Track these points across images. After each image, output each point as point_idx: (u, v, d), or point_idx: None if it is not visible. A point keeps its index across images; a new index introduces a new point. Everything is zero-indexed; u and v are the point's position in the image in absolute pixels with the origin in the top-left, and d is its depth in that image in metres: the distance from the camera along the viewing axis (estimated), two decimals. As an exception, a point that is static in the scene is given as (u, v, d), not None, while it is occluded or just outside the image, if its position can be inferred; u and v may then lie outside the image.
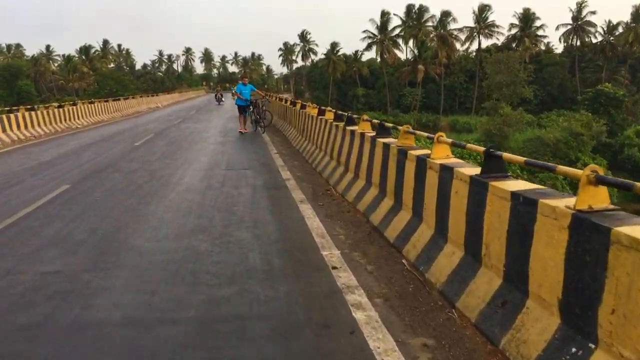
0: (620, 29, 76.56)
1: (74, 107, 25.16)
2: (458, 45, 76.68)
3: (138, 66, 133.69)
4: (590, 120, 57.42)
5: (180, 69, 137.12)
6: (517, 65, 63.62)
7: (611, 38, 76.46)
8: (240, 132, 18.63)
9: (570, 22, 77.70)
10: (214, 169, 11.30)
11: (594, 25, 76.26)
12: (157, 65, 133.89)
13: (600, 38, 77.69)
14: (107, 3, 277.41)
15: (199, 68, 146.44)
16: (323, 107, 14.19)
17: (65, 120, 23.49)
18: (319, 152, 12.22)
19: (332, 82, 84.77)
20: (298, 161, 12.54)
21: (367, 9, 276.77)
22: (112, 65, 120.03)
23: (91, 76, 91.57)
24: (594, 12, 76.60)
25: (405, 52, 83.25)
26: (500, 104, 63.88)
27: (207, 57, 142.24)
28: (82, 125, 24.63)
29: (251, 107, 18.76)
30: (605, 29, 76.92)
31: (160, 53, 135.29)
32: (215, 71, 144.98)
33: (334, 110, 12.29)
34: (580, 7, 76.23)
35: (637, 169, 55.24)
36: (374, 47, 79.39)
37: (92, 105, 28.05)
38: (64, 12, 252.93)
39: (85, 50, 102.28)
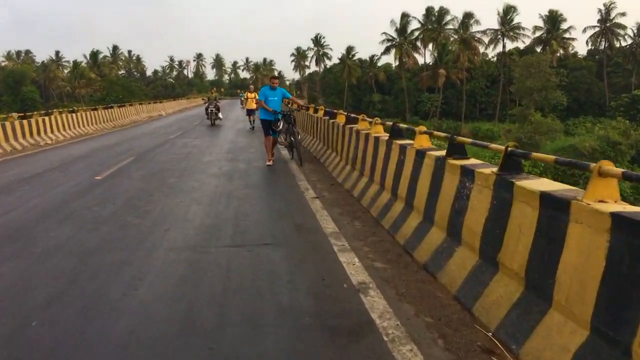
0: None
1: (47, 119, 19.61)
2: (481, 49, 70.89)
3: (149, 72, 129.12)
4: (628, 127, 51.72)
5: (191, 75, 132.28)
6: (549, 69, 57.72)
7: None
8: (268, 164, 11.64)
9: (598, 24, 71.70)
10: (206, 248, 5.68)
11: (624, 27, 70.23)
12: (167, 71, 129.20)
13: (629, 41, 71.60)
14: (120, 10, 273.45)
15: (210, 74, 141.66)
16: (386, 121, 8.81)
17: (32, 134, 18.00)
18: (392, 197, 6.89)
19: (347, 87, 79.26)
20: (360, 220, 6.93)
21: (382, 15, 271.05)
22: (122, 71, 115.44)
23: (98, 82, 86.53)
24: (623, 14, 70.56)
25: (424, 56, 77.65)
26: (530, 111, 58.17)
27: (218, 62, 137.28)
28: (54, 140, 19.07)
29: (281, 122, 11.63)
30: (635, 31, 70.88)
31: (171, 59, 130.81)
32: (226, 77, 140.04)
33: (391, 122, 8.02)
34: (608, 9, 70.25)
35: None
36: (393, 51, 73.69)
37: (74, 115, 22.50)
38: (75, 18, 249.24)
39: (93, 55, 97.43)
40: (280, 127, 11.71)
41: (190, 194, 8.64)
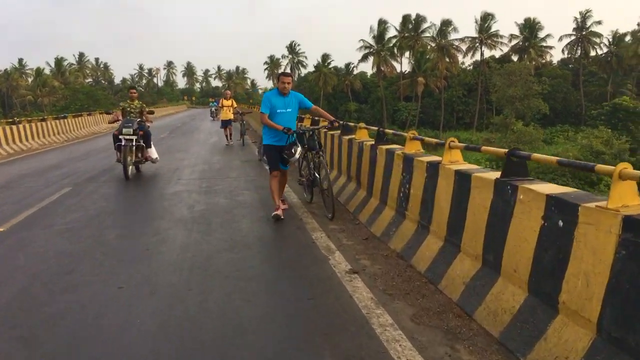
0: (627, 40, 69.37)
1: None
2: (460, 57, 68.53)
3: (117, 80, 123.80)
4: (610, 137, 49.88)
5: (161, 84, 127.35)
6: (531, 77, 55.51)
7: (616, 49, 69.04)
8: (276, 214, 6.84)
9: (574, 32, 70.17)
10: None
11: (599, 35, 68.83)
12: (137, 79, 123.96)
13: (605, 49, 70.27)
14: (88, 17, 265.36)
15: (181, 82, 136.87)
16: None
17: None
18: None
19: (323, 96, 76.00)
20: (463, 337, 3.50)
21: (358, 23, 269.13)
22: (89, 79, 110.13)
23: (62, 90, 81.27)
24: (599, 22, 69.20)
25: (401, 64, 74.99)
26: (512, 119, 55.91)
27: (189, 71, 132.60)
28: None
29: (297, 147, 6.86)
30: (610, 39, 69.57)
31: (141, 67, 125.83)
32: (197, 85, 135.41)
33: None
34: (584, 17, 68.83)
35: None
36: (370, 59, 70.70)
37: (15, 127, 18.50)
38: (41, 26, 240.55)
39: (57, 63, 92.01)
40: (296, 154, 6.78)
41: (141, 265, 5.08)
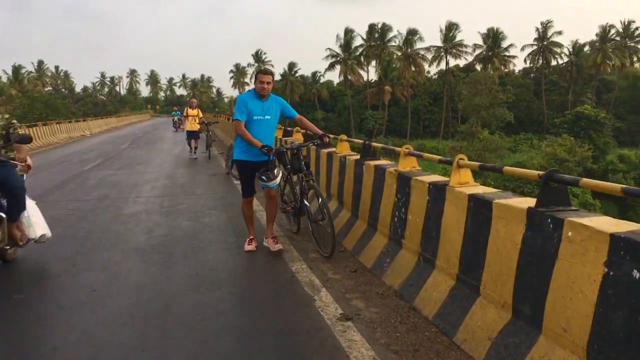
0: (586, 49, 70.84)
1: None
2: (426, 66, 68.71)
3: (78, 89, 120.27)
4: (573, 145, 50.64)
5: (123, 92, 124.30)
6: (496, 86, 55.92)
7: (576, 59, 70.40)
8: (249, 249, 5.78)
9: (535, 42, 71.26)
10: None
11: (560, 45, 70.08)
12: (98, 88, 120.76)
13: (566, 59, 71.61)
14: (47, 25, 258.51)
15: (144, 91, 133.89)
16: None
17: None
18: None
19: (290, 104, 75.05)
20: None
21: (324, 32, 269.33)
22: (49, 88, 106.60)
23: (19, 99, 78.07)
24: (560, 32, 70.50)
25: (368, 73, 74.80)
26: (478, 128, 56.17)
27: (153, 79, 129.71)
28: None
29: (277, 168, 5.63)
30: (570, 49, 70.94)
31: (103, 75, 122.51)
32: (162, 94, 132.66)
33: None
34: (545, 27, 70.01)
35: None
36: (338, 67, 70.19)
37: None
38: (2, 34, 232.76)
39: (15, 70, 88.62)
40: (277, 179, 5.59)
41: (83, 314, 4.08)
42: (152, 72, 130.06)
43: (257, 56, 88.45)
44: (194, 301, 4.35)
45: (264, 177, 5.51)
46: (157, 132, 35.00)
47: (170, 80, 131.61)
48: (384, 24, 69.09)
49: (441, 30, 66.85)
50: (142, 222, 7.38)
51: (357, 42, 70.58)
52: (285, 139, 9.63)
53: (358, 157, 6.31)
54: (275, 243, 5.74)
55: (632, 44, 67.37)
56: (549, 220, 2.93)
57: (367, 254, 5.35)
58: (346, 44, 69.40)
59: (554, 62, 71.99)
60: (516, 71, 77.10)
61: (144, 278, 4.96)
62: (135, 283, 4.82)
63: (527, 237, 3.11)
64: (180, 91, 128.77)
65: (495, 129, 56.87)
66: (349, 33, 69.38)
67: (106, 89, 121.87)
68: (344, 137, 7.20)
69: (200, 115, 16.79)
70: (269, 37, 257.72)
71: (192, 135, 16.44)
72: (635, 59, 69.38)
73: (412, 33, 66.83)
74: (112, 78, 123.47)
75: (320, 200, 5.52)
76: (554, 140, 52.45)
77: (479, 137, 53.74)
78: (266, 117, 5.51)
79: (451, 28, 66.16)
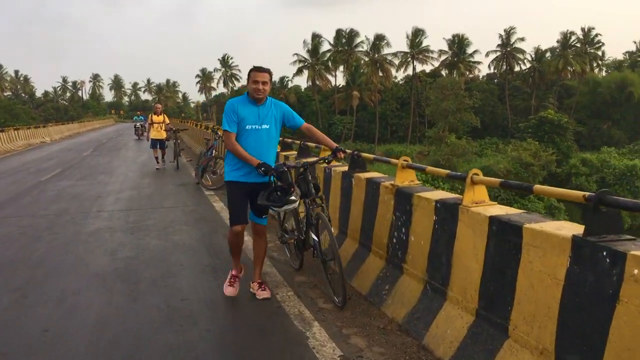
0: (547, 56, 72.12)
1: None
2: (393, 71, 68.82)
3: (39, 94, 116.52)
4: (538, 149, 51.40)
5: (86, 97, 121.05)
6: (463, 92, 56.32)
7: (538, 65, 71.62)
8: (227, 291, 4.65)
9: (499, 48, 72.20)
10: None
11: (523, 51, 71.20)
12: (60, 92, 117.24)
13: (528, 65, 72.78)
14: (6, 27, 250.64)
15: (108, 95, 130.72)
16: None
17: None
18: None
19: (257, 110, 74.23)
20: None
21: (291, 37, 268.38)
22: (7, 93, 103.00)
23: (-25, 104, 75.03)
24: (522, 39, 71.61)
25: (335, 78, 74.50)
26: (445, 133, 56.44)
27: (116, 83, 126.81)
28: None
29: (294, 193, 4.37)
30: (533, 55, 72.12)
31: (64, 80, 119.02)
32: (126, 99, 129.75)
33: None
34: (508, 34, 71.00)
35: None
36: (306, 72, 69.69)
37: None
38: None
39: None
40: (294, 203, 4.42)
41: (30, 369, 3.39)
42: (116, 76, 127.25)
43: (224, 61, 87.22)
44: (164, 342, 3.69)
45: (274, 201, 4.25)
46: (121, 139, 33.74)
47: (135, 85, 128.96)
48: (351, 30, 68.94)
49: (407, 36, 67.11)
50: (105, 241, 6.63)
51: (325, 47, 70.27)
52: (285, 153, 8.43)
53: (345, 168, 5.74)
54: (262, 290, 4.59)
55: (592, 51, 68.91)
56: (605, 253, 2.41)
57: (361, 278, 4.78)
58: (314, 49, 68.95)
59: (517, 68, 73.00)
60: (481, 77, 78.02)
61: (107, 312, 4.27)
62: (96, 319, 4.12)
63: (573, 272, 2.59)
64: (145, 96, 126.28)
65: (462, 134, 57.25)
66: (316, 38, 68.99)
67: (68, 94, 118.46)
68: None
69: (167, 121, 15.28)
70: (235, 42, 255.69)
71: (157, 143, 14.95)
72: (595, 65, 70.94)
73: (379, 38, 66.84)
74: (74, 83, 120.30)
75: (328, 235, 4.39)
76: (519, 145, 53.09)
77: (447, 141, 53.95)
78: (263, 126, 4.35)
79: (417, 34, 66.44)
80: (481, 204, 3.51)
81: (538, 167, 50.30)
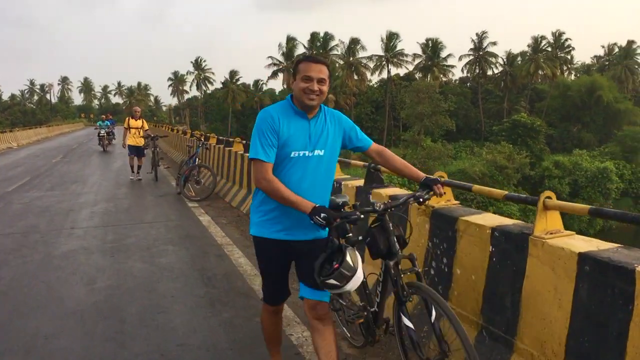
0: (518, 60, 72.85)
1: None
2: (368, 74, 68.54)
3: (5, 97, 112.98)
4: (512, 152, 51.76)
5: (55, 100, 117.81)
6: (438, 95, 56.31)
7: (510, 69, 72.27)
8: None
9: (472, 52, 72.64)
10: None
11: (495, 55, 71.76)
12: (27, 96, 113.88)
13: (500, 69, 73.43)
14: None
15: (78, 99, 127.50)
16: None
17: None
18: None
19: (232, 113, 73.21)
20: None
21: (265, 41, 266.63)
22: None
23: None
24: (494, 43, 72.16)
25: (310, 81, 73.74)
26: (421, 136, 56.36)
27: (86, 86, 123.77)
28: None
29: (353, 257, 2.55)
30: (505, 59, 72.78)
31: (32, 82, 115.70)
32: (96, 102, 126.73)
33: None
34: (481, 38, 71.49)
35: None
36: (281, 75, 68.89)
37: None
38: None
39: None
40: (355, 275, 2.54)
41: None
42: (86, 79, 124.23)
43: (197, 64, 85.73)
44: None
45: (331, 276, 2.54)
46: (92, 144, 32.34)
47: (105, 87, 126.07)
48: (326, 33, 68.48)
49: (382, 40, 66.90)
50: (81, 266, 5.78)
51: (300, 50, 69.62)
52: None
53: (360, 183, 5.05)
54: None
55: (562, 55, 69.83)
56: None
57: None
58: (288, 52, 68.24)
59: (489, 72, 73.57)
60: (454, 80, 78.45)
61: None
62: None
63: None
64: (115, 99, 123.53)
65: (438, 137, 57.31)
66: (291, 41, 68.30)
67: (36, 97, 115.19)
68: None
69: (145, 127, 13.65)
70: (209, 45, 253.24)
71: (135, 151, 13.38)
72: (565, 68, 71.95)
73: (354, 42, 66.51)
74: (42, 85, 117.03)
75: (436, 315, 2.73)
76: (494, 148, 53.32)
77: (423, 145, 53.85)
78: (316, 152, 2.78)
79: (392, 37, 66.28)
80: (557, 235, 2.85)
81: (512, 169, 50.64)
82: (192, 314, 4.37)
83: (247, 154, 9.25)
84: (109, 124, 27.13)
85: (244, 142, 10.01)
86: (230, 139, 11.44)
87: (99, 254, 6.26)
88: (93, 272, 5.54)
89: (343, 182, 5.31)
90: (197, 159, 10.54)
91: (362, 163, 3.32)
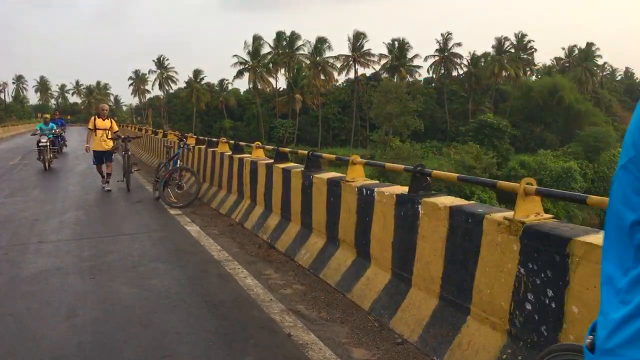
0: (482, 61, 73.66)
1: None
2: (335, 74, 68.00)
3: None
4: (479, 152, 52.13)
5: (9, 100, 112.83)
6: (406, 95, 56.16)
7: (474, 70, 72.97)
8: None
9: (437, 53, 73.07)
10: None
11: (460, 56, 72.37)
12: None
13: (465, 69, 74.09)
14: None
15: (33, 98, 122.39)
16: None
17: None
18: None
19: (196, 113, 71.43)
20: None
21: (230, 40, 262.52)
22: None
23: None
24: (459, 44, 72.76)
25: (276, 80, 72.85)
26: (389, 137, 56.17)
27: (42, 85, 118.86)
28: None
29: None
30: (469, 60, 73.45)
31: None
32: (53, 101, 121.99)
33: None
34: (446, 39, 72.00)
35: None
36: (246, 75, 67.55)
37: None
38: None
39: None
40: None
41: None
42: (42, 78, 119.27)
43: (160, 62, 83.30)
44: None
45: None
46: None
47: (63, 87, 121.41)
48: (292, 32, 67.61)
49: (349, 39, 66.52)
50: (56, 292, 4.77)
51: (266, 49, 68.54)
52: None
53: (398, 189, 4.25)
54: None
55: (525, 56, 70.90)
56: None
57: None
58: (254, 51, 67.02)
59: (454, 73, 74.12)
60: (420, 82, 78.79)
61: None
62: None
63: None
64: (73, 98, 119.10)
65: (407, 138, 57.23)
66: (257, 40, 67.10)
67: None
68: (356, 158, 5.09)
69: (115, 127, 11.44)
70: (171, 44, 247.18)
71: (102, 157, 11.21)
72: (527, 70, 73.10)
73: (321, 41, 65.90)
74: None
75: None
76: (461, 148, 53.57)
77: (391, 145, 53.62)
78: None
79: (359, 37, 65.95)
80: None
81: (480, 170, 50.87)
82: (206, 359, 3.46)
83: (237, 156, 8.33)
84: (54, 127, 18.50)
85: (232, 142, 9.04)
86: (214, 139, 10.45)
87: (76, 276, 5.24)
88: (72, 301, 4.54)
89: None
90: (178, 161, 9.51)
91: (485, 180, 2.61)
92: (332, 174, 5.53)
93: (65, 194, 10.92)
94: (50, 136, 16.65)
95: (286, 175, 6.30)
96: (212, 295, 4.67)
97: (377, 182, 4.91)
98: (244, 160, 7.83)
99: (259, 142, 8.07)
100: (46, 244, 6.58)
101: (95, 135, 11.12)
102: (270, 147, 7.75)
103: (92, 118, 11.43)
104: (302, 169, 6.00)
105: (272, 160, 6.99)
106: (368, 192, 4.55)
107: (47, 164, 15.81)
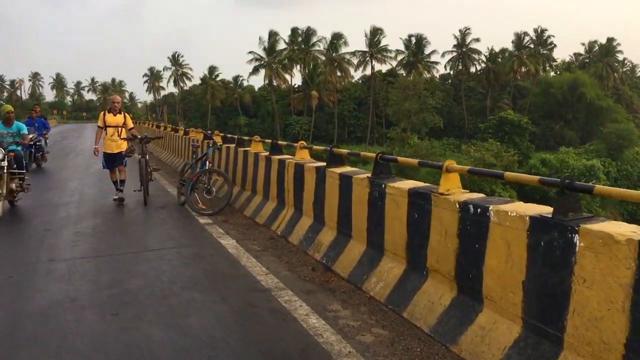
0: (501, 57, 71.84)
1: None
2: (351, 71, 66.68)
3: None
4: (500, 150, 50.70)
5: (25, 97, 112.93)
6: (425, 92, 54.73)
7: (493, 66, 71.20)
8: None
9: (455, 49, 71.38)
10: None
11: (478, 52, 70.63)
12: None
13: (483, 65, 72.32)
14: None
15: (50, 95, 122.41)
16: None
17: None
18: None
19: (211, 110, 70.53)
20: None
21: (245, 36, 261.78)
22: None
23: None
24: (477, 40, 70.99)
25: (292, 77, 71.69)
26: (407, 134, 54.83)
27: (58, 83, 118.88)
28: None
29: None
30: (487, 56, 71.69)
31: (1, 78, 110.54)
32: (69, 99, 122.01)
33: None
34: (464, 34, 70.26)
35: (545, 198, 49.01)
36: (262, 71, 66.42)
37: None
38: None
39: None
40: None
41: None
42: (58, 75, 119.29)
43: (175, 59, 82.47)
44: None
45: None
46: (67, 142, 29.81)
47: (78, 84, 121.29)
48: (308, 28, 66.29)
49: (366, 35, 65.04)
50: (69, 337, 3.67)
51: (281, 45, 67.38)
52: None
53: (537, 210, 3.08)
54: None
55: (545, 52, 69.07)
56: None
57: None
58: (270, 47, 65.84)
59: (472, 69, 72.46)
60: (437, 78, 77.19)
61: None
62: None
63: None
64: (89, 95, 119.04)
65: (425, 135, 55.90)
66: (273, 36, 65.89)
67: (5, 94, 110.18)
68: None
69: (130, 124, 9.28)
70: (186, 41, 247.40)
71: (113, 161, 9.16)
72: (547, 65, 71.25)
73: (336, 37, 64.50)
74: (12, 81, 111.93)
75: None
76: (482, 145, 52.18)
77: (410, 142, 52.31)
78: None
79: (376, 33, 64.47)
80: None
81: (500, 167, 49.39)
82: None
83: (276, 157, 7.21)
84: (24, 130, 9.15)
85: (269, 141, 7.90)
86: (245, 137, 9.33)
87: (94, 311, 4.14)
88: (88, 351, 3.43)
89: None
90: (207, 163, 8.39)
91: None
92: (412, 183, 4.39)
93: (80, 196, 9.87)
94: (14, 148, 8.59)
95: (345, 182, 5.16)
96: (270, 342, 3.56)
97: (482, 195, 3.73)
98: (286, 163, 6.70)
99: (303, 142, 6.93)
100: (58, 262, 5.50)
101: (106, 134, 9.08)
102: (321, 147, 6.59)
103: (102, 113, 9.27)
104: (368, 175, 4.85)
105: (323, 164, 5.84)
106: (478, 210, 3.39)
107: (21, 191, 8.72)
